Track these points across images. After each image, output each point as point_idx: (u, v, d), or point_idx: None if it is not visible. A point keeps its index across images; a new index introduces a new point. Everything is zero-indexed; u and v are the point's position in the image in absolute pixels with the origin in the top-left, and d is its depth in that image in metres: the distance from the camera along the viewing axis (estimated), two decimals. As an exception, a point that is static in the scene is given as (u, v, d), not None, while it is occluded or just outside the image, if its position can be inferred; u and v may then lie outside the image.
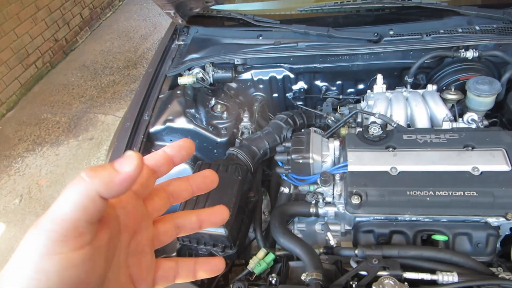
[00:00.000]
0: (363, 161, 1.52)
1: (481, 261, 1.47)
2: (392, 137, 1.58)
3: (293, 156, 1.61)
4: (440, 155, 1.49)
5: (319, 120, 2.10)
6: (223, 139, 1.96)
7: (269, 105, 2.40)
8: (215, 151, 2.01)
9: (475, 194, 1.38)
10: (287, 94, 2.33)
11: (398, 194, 1.42)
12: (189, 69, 2.23)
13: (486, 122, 1.84)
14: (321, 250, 1.60)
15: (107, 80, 5.52)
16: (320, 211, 1.65)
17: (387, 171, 1.48)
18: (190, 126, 1.96)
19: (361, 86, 2.24)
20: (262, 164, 1.96)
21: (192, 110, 2.02)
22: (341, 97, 2.22)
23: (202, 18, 2.44)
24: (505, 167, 1.42)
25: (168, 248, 1.85)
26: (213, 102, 2.10)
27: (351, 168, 1.51)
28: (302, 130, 1.73)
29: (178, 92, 2.07)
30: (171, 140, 2.01)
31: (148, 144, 1.96)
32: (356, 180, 1.48)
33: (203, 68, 2.22)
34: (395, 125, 1.65)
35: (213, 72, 2.19)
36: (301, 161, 1.59)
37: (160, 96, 2.14)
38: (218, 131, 1.99)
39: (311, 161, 1.58)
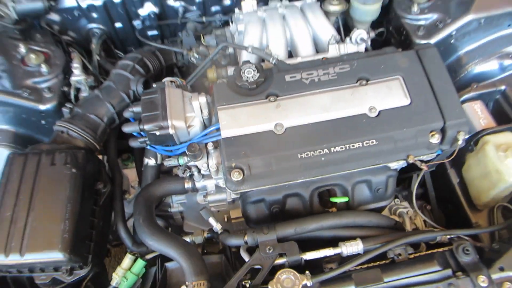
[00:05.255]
0: (239, 121, 1.14)
1: (381, 206, 1.32)
2: (272, 80, 1.20)
3: (146, 127, 1.15)
4: (331, 97, 1.17)
5: (181, 58, 1.61)
6: (49, 105, 1.38)
7: (114, 39, 1.79)
8: (43, 121, 1.43)
9: (375, 142, 1.13)
10: (134, 23, 1.73)
11: (287, 160, 1.11)
12: (-26, 2, 1.47)
13: (373, 34, 1.56)
14: (205, 235, 1.28)
15: None
16: (198, 184, 1.29)
17: (271, 130, 1.14)
18: (-11, 95, 1.32)
19: (227, 1, 1.74)
20: (115, 132, 1.46)
21: (-11, 69, 1.36)
22: (204, 19, 1.71)
23: None
24: (404, 101, 1.17)
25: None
26: (23, 50, 1.44)
27: (225, 133, 1.13)
28: (154, 85, 1.25)
29: (-42, 43, 1.36)
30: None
31: None
32: (233, 150, 1.11)
33: (-4, -2, 1.48)
34: (274, 62, 1.26)
35: (14, 2, 1.47)
36: (158, 133, 1.15)
37: None
38: (38, 95, 1.39)
39: (171, 131, 1.15)
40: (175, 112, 1.16)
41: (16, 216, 1.06)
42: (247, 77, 1.18)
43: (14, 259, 1.03)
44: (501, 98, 1.41)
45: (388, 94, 1.18)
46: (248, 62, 1.22)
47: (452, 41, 1.46)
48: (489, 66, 1.48)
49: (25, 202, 1.07)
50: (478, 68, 1.49)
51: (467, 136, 1.28)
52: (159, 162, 1.38)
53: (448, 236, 1.17)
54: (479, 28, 1.44)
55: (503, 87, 1.40)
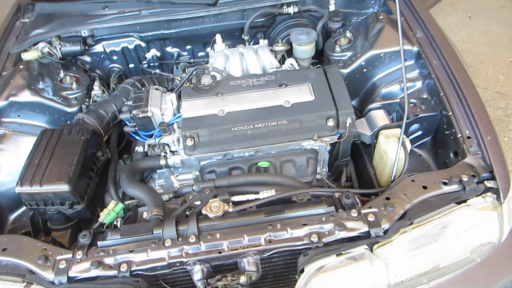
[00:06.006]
0: (195, 108, 1.69)
1: (306, 181, 1.75)
2: (221, 84, 1.76)
3: (134, 112, 1.71)
4: (259, 94, 1.71)
5: (171, 83, 2.23)
6: (74, 109, 1.99)
7: (127, 75, 2.45)
8: (68, 122, 2.02)
9: (286, 122, 1.63)
10: (143, 63, 2.41)
11: (224, 132, 1.62)
12: (35, 45, 2.18)
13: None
14: (171, 195, 1.75)
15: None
16: (169, 161, 1.79)
17: (215, 114, 1.66)
18: (36, 99, 1.94)
19: (210, 49, 2.40)
20: (118, 128, 2.02)
21: (39, 84, 2.00)
22: (192, 61, 2.36)
23: (47, -6, 2.38)
24: (310, 97, 1.69)
25: (24, 221, 1.85)
26: (62, 75, 2.09)
27: (184, 115, 1.67)
28: (143, 89, 1.84)
29: (21, 67, 2.03)
30: (19, 115, 1.97)
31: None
32: (188, 124, 1.63)
33: (50, 43, 2.18)
34: (225, 75, 1.84)
35: (60, 46, 2.18)
36: (141, 115, 1.70)
37: (3, 73, 2.07)
38: (68, 102, 2.01)
39: (150, 114, 1.70)
40: (154, 103, 1.73)
41: (41, 163, 1.58)
42: (204, 82, 1.75)
43: (35, 189, 1.53)
44: (399, 107, 1.89)
45: (299, 93, 1.70)
46: (207, 74, 1.80)
47: (364, 70, 2.00)
48: (394, 88, 1.99)
49: (48, 155, 1.61)
50: (387, 89, 2.00)
51: (370, 133, 1.77)
52: (146, 149, 1.90)
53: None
54: (383, 61, 1.98)
55: (398, 100, 1.89)
